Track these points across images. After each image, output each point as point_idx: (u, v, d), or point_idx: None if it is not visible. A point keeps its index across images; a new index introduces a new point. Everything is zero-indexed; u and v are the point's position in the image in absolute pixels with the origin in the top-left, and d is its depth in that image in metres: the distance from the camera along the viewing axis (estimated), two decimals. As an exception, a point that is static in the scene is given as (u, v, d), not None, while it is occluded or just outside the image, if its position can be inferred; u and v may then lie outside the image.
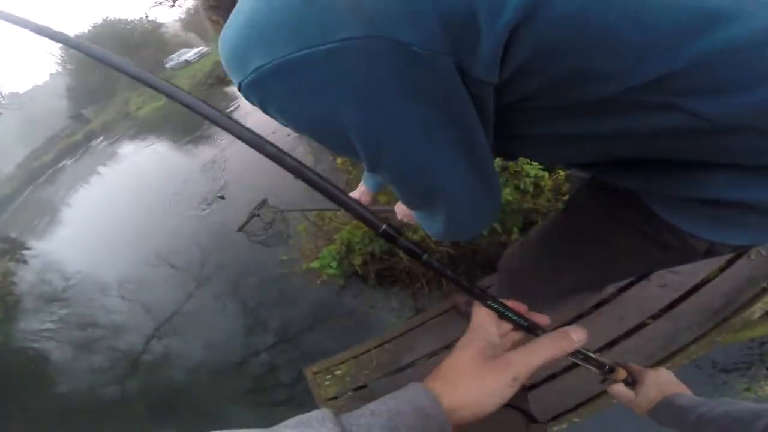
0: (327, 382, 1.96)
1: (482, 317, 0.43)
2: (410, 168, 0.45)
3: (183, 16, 25.48)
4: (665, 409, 0.64)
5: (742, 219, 0.51)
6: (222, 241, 4.80)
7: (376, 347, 1.99)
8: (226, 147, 7.74)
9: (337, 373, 1.99)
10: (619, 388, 0.69)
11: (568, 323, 1.53)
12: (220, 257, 4.58)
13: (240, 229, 4.58)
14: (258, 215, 4.52)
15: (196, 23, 23.29)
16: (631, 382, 0.68)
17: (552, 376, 1.52)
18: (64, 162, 20.51)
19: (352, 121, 0.39)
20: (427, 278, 2.46)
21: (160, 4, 7.99)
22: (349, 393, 1.90)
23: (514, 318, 0.43)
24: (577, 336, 0.40)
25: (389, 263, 2.54)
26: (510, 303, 0.44)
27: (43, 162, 22.70)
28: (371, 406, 0.36)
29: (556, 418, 1.44)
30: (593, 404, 1.42)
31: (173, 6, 7.96)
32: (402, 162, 0.44)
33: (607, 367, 0.58)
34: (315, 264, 2.66)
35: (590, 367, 0.54)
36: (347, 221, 2.71)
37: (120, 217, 7.87)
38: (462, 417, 0.36)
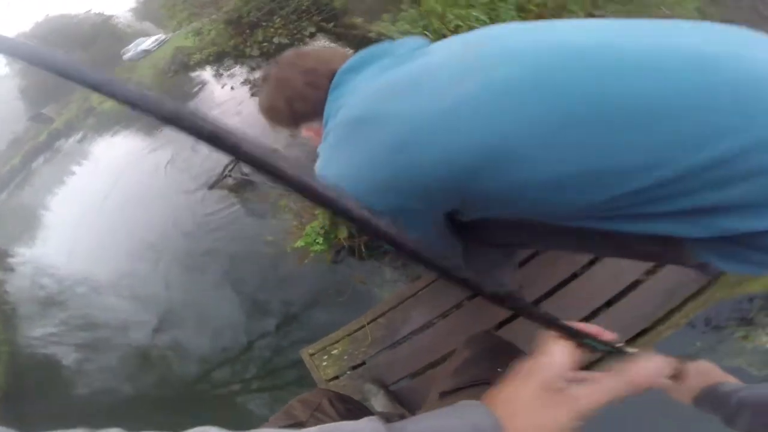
0: (324, 363, 1.98)
1: (556, 349, 0.39)
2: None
3: (134, 5, 24.41)
4: (708, 397, 0.63)
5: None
6: (207, 226, 4.90)
7: (370, 323, 1.99)
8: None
9: (334, 352, 2.00)
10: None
11: (564, 282, 1.63)
12: (209, 243, 4.70)
13: (210, 188, 4.73)
14: (229, 175, 4.64)
15: (150, 11, 22.36)
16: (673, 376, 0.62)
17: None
18: (33, 164, 20.09)
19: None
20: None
21: None
22: (348, 372, 1.93)
23: (601, 347, 0.41)
24: (655, 366, 0.39)
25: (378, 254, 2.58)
26: (591, 329, 0.42)
27: (12, 167, 22.16)
28: (427, 422, 0.35)
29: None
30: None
31: None
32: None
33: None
34: (300, 243, 2.67)
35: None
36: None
37: (102, 213, 7.99)
38: None
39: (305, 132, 0.80)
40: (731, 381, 0.66)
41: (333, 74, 0.71)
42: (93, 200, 8.97)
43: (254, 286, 3.64)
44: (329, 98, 0.70)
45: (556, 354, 0.39)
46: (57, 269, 7.00)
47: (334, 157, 0.65)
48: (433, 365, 1.75)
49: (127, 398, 3.59)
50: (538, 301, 1.63)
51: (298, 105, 0.75)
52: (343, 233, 2.57)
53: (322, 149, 0.68)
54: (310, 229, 2.67)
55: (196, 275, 4.46)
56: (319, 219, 2.67)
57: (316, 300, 3.01)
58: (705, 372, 0.67)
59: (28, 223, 11.19)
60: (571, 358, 0.39)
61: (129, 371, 3.93)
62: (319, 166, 0.66)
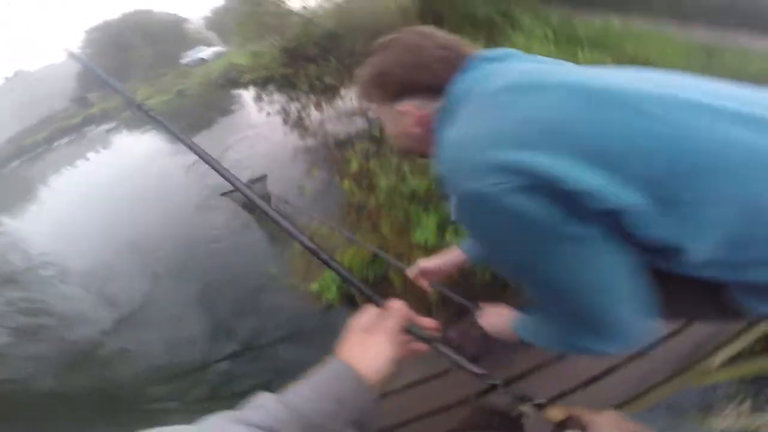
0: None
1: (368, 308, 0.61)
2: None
3: (209, 14, 26.29)
4: None
5: None
6: (204, 237, 4.77)
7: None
8: (228, 148, 7.78)
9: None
10: None
11: (548, 362, 1.67)
12: (201, 257, 4.53)
13: (224, 194, 4.56)
14: (251, 188, 4.52)
15: (220, 23, 24.04)
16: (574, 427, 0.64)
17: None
18: (56, 143, 20.76)
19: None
20: (417, 307, 2.43)
21: None
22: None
23: (418, 332, 0.61)
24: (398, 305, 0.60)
25: (381, 288, 2.60)
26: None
27: (34, 140, 22.86)
28: (303, 383, 0.49)
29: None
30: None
31: None
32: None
33: (532, 401, 0.61)
34: (315, 286, 2.85)
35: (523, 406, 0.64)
36: (348, 244, 2.78)
37: (99, 205, 7.87)
38: (368, 374, 0.50)
39: (401, 108, 0.75)
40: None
41: (465, 57, 0.71)
42: (96, 190, 8.98)
43: (230, 309, 3.53)
44: (459, 79, 0.69)
45: (365, 310, 0.59)
46: (32, 248, 6.80)
47: (479, 120, 0.60)
48: (419, 418, 1.70)
49: (41, 392, 3.41)
50: (518, 378, 1.65)
51: (419, 75, 0.72)
52: None
53: (447, 124, 0.66)
54: (328, 277, 2.82)
55: (174, 284, 4.28)
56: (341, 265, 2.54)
57: (290, 336, 2.94)
58: (615, 422, 0.63)
59: (24, 196, 11.21)
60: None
61: (59, 366, 3.68)
62: (450, 138, 0.62)
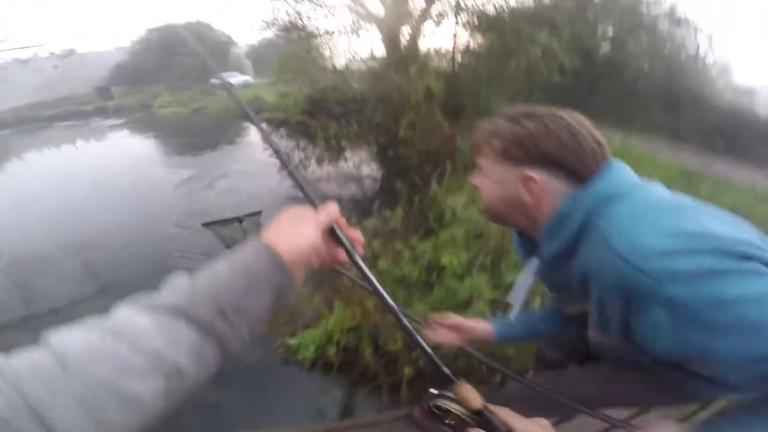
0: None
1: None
2: None
3: (254, 43, 27.42)
4: None
5: None
6: (163, 261, 4.60)
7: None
8: (223, 176, 7.59)
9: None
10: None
11: None
12: (153, 278, 4.12)
13: (206, 225, 4.40)
14: (240, 222, 4.34)
15: (259, 54, 25.06)
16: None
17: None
18: (56, 123, 20.83)
19: None
20: (388, 383, 2.59)
21: (268, 28, 8.46)
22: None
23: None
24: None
25: (354, 358, 2.73)
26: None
27: (38, 115, 22.85)
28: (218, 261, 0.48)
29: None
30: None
31: (267, 28, 8.37)
32: None
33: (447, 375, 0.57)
34: (293, 341, 2.94)
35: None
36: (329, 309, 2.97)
37: (65, 195, 7.57)
38: (288, 253, 0.49)
39: (531, 174, 0.79)
40: None
41: (607, 158, 0.78)
42: (69, 180, 8.64)
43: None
44: (603, 175, 0.75)
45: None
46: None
47: (660, 220, 0.66)
48: None
49: None
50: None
51: (569, 156, 0.77)
52: (332, 350, 2.76)
53: (604, 210, 0.72)
54: (308, 336, 2.91)
55: (112, 299, 3.87)
56: (320, 330, 2.84)
57: (228, 382, 2.68)
58: None
59: None
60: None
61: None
62: (632, 224, 0.67)
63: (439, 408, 0.57)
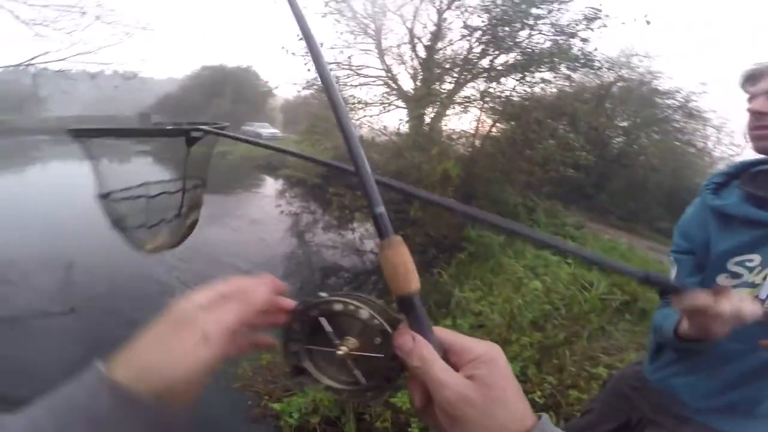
0: None
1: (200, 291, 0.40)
2: None
3: (290, 98, 28.81)
4: None
5: None
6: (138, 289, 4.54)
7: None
8: (229, 220, 7.59)
9: None
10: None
11: None
12: (124, 311, 4.13)
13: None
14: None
15: (292, 108, 26.21)
16: None
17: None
18: (93, 139, 21.78)
19: None
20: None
21: (307, 87, 8.85)
22: None
23: None
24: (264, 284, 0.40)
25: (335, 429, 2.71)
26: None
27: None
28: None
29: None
30: None
31: (307, 88, 8.80)
32: None
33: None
34: (277, 406, 2.87)
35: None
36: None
37: (65, 212, 7.52)
38: (152, 382, 0.34)
39: None
40: None
41: None
42: (78, 198, 8.71)
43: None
44: None
45: (196, 293, 0.39)
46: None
47: None
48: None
49: None
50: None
51: None
52: (316, 419, 2.74)
53: None
54: (295, 402, 2.84)
55: (75, 321, 3.95)
56: (307, 398, 2.81)
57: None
58: None
59: (21, 167, 11.37)
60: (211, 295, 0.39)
61: None
62: None
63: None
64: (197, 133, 0.88)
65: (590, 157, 8.33)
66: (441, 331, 0.37)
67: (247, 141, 0.87)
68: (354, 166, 0.38)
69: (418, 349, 0.34)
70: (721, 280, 0.88)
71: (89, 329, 3.76)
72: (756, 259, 0.82)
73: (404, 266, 0.35)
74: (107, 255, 5.49)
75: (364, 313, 0.37)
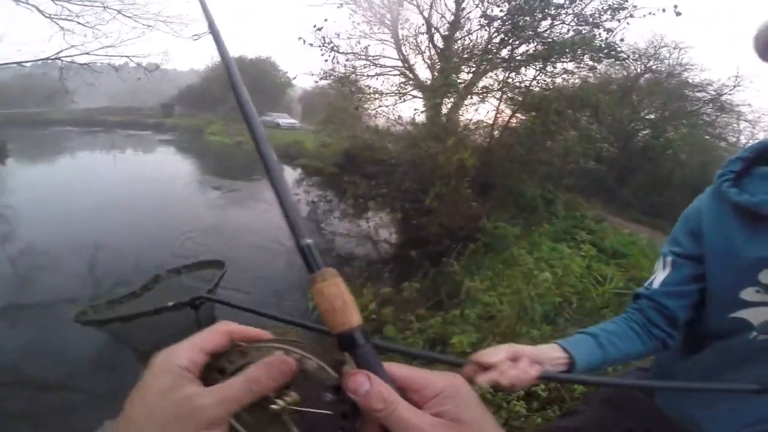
0: None
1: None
2: None
3: (308, 88, 28.75)
4: None
5: None
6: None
7: None
8: (239, 208, 7.76)
9: None
10: None
11: None
12: None
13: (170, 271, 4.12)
14: (181, 271, 4.05)
15: (310, 99, 26.35)
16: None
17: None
18: (119, 130, 22.49)
19: None
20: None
21: (325, 78, 8.85)
22: None
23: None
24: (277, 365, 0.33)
25: None
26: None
27: (106, 119, 25.00)
28: None
29: None
30: None
31: (324, 78, 8.79)
32: None
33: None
34: None
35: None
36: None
37: (93, 199, 7.90)
38: None
39: None
40: None
41: None
42: (105, 187, 9.08)
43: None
44: None
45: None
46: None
47: None
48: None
49: None
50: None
51: None
52: None
53: None
54: None
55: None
56: None
57: None
58: None
59: (49, 157, 11.98)
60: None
61: None
62: None
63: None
64: (200, 300, 1.11)
65: (613, 149, 8.14)
66: (393, 367, 0.33)
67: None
68: (277, 197, 0.34)
69: (376, 389, 0.29)
70: (749, 294, 0.73)
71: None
72: None
73: (341, 299, 0.32)
74: (132, 238, 5.83)
75: (310, 363, 0.32)
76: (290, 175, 11.01)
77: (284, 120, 24.94)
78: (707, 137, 11.99)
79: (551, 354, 0.76)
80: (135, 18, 9.96)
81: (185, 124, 25.57)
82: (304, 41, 7.70)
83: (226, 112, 24.82)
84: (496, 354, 0.72)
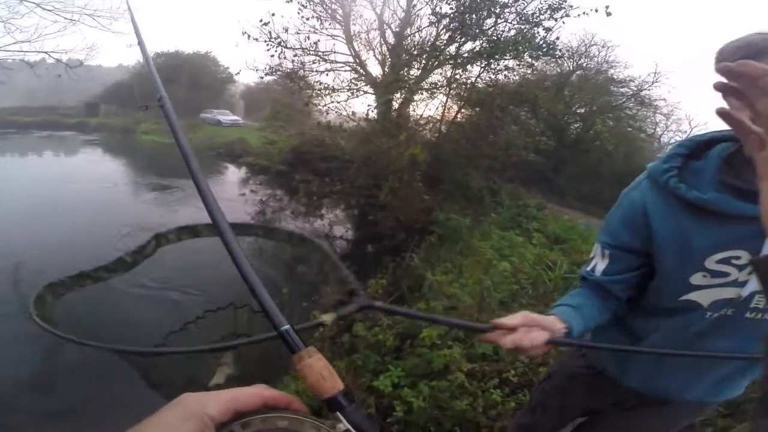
0: None
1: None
2: None
3: (252, 84, 27.59)
4: None
5: None
6: None
7: None
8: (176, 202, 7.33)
9: None
10: None
11: None
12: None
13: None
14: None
15: (253, 96, 25.34)
16: None
17: None
18: (33, 131, 20.31)
19: None
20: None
21: (271, 73, 8.25)
22: None
23: None
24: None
25: None
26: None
27: (17, 120, 22.45)
28: None
29: None
30: None
31: (270, 74, 8.25)
32: None
33: None
34: None
35: None
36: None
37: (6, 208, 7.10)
38: None
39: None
40: None
41: None
42: (21, 193, 8.15)
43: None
44: None
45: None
46: None
47: None
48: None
49: None
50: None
51: None
52: None
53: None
54: None
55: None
56: None
57: None
58: None
59: None
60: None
61: None
62: None
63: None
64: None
65: (550, 143, 8.69)
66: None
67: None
68: (251, 291, 0.43)
69: None
70: (697, 279, 0.82)
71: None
72: (743, 256, 0.76)
73: (327, 369, 0.38)
74: (44, 250, 5.27)
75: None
76: (235, 174, 10.56)
77: (226, 117, 23.81)
78: (629, 129, 13.12)
79: (555, 323, 0.86)
80: (56, 11, 8.99)
81: (113, 124, 23.60)
82: (249, 36, 7.41)
83: (157, 113, 23.17)
84: (514, 320, 0.82)
